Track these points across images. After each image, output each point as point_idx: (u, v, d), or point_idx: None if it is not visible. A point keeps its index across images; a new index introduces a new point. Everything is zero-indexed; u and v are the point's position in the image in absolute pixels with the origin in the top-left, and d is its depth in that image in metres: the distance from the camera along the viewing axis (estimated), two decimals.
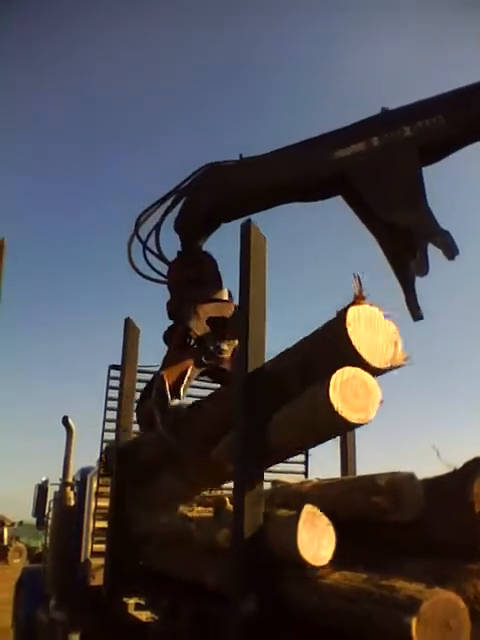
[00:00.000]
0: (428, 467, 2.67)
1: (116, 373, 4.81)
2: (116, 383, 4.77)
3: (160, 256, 3.92)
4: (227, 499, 3.09)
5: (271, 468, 3.22)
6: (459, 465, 2.56)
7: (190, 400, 3.85)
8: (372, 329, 2.48)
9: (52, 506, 7.69)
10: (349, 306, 2.47)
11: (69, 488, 7.06)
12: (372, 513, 2.52)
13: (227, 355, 3.65)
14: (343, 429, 2.41)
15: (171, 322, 4.01)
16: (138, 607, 4.99)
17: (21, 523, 27.66)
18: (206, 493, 3.92)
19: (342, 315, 2.45)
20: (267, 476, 2.97)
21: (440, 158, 3.16)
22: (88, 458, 6.88)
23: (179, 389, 3.69)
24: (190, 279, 3.79)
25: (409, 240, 3.06)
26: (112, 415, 4.76)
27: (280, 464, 3.49)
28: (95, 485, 5.91)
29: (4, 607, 9.16)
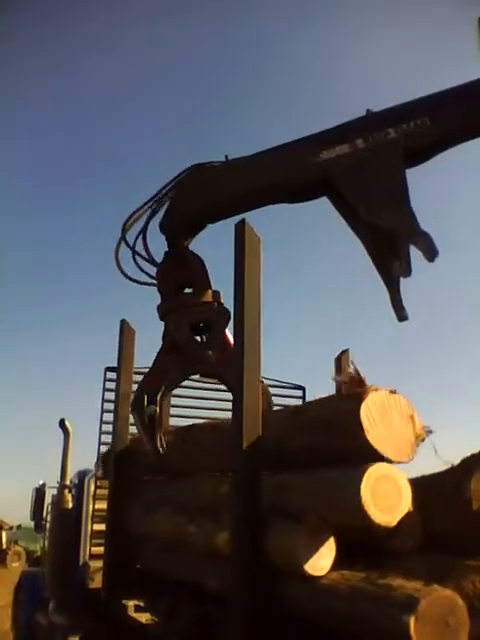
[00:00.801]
0: (426, 463, 2.67)
1: (112, 375, 4.80)
2: (112, 385, 4.76)
3: (149, 259, 3.90)
4: None
5: None
6: (456, 462, 2.57)
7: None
8: (387, 419, 2.41)
9: (50, 509, 7.67)
10: (358, 403, 2.38)
11: (67, 491, 7.04)
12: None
13: (213, 359, 3.63)
14: (365, 527, 2.28)
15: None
16: (137, 609, 4.98)
17: (19, 527, 27.61)
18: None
19: (357, 419, 2.35)
20: None
21: (425, 160, 3.17)
22: (85, 461, 6.87)
23: (156, 396, 3.65)
24: (178, 282, 3.80)
25: (392, 242, 3.08)
26: (109, 417, 4.75)
27: None
28: (93, 488, 5.91)
29: (3, 611, 9.15)
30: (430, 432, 2.47)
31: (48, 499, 7.90)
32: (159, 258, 3.90)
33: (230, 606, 2.70)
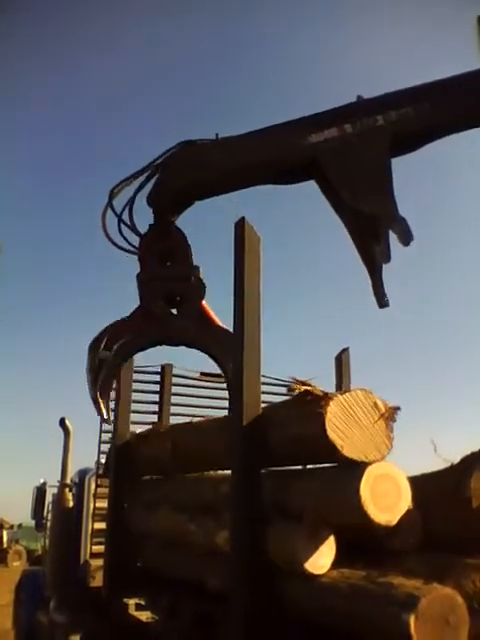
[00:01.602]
0: (426, 461, 2.67)
1: None
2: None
3: (133, 228, 3.91)
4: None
5: None
6: (456, 460, 2.57)
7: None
8: (354, 422, 2.38)
9: (51, 508, 7.68)
10: (322, 423, 2.34)
11: (67, 490, 7.04)
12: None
13: (191, 332, 3.68)
14: (365, 526, 2.28)
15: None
16: (138, 607, 4.99)
17: (20, 526, 27.62)
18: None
19: (328, 441, 2.32)
20: None
21: (414, 148, 3.21)
22: (86, 459, 6.88)
23: (114, 344, 3.74)
24: (159, 253, 3.83)
25: (374, 227, 3.13)
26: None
27: None
28: (93, 486, 5.91)
29: (4, 610, 9.15)
30: (397, 409, 2.46)
31: (49, 498, 7.91)
32: (143, 230, 3.91)
33: (230, 604, 2.70)
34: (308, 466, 2.88)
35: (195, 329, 3.72)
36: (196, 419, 4.19)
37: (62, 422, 7.33)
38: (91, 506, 5.82)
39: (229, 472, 3.03)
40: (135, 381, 4.80)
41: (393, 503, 2.28)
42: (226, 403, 3.93)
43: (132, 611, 4.78)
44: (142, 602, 4.68)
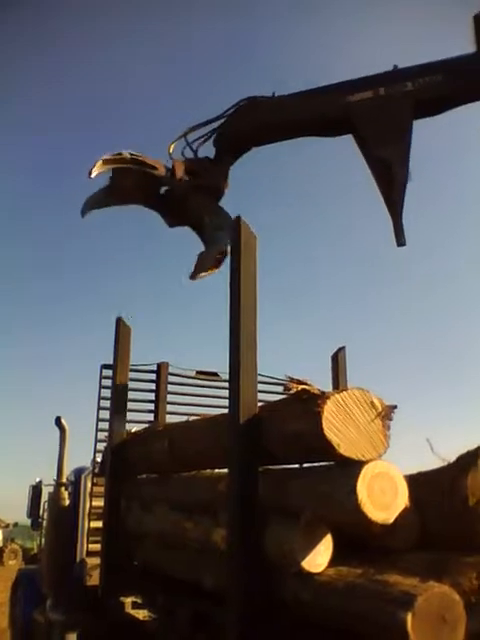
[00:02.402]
0: (422, 459, 2.68)
1: (108, 372, 4.80)
2: (108, 382, 4.76)
3: (195, 156, 4.54)
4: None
5: None
6: (453, 458, 2.58)
7: None
8: (351, 421, 2.39)
9: (47, 507, 7.68)
10: (319, 422, 2.35)
11: (63, 488, 7.04)
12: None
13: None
14: (362, 524, 2.28)
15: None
16: (135, 606, 4.99)
17: (16, 525, 27.58)
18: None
19: (325, 440, 2.34)
20: None
21: (437, 113, 3.77)
22: (82, 458, 6.87)
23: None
24: (197, 175, 4.44)
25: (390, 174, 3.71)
26: (105, 414, 4.75)
27: None
28: (89, 485, 5.91)
29: (1, 608, 9.15)
30: (394, 407, 2.47)
31: (45, 497, 7.90)
32: None
33: (227, 603, 2.70)
34: (305, 465, 2.88)
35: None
36: (192, 418, 4.19)
37: (58, 421, 7.33)
38: (87, 505, 5.81)
39: (226, 471, 3.04)
40: (131, 380, 4.80)
41: (390, 501, 2.29)
42: (222, 401, 3.93)
43: (129, 609, 4.79)
44: (139, 600, 4.69)
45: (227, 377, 3.00)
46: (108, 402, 4.72)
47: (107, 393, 4.77)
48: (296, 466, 2.94)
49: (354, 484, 2.24)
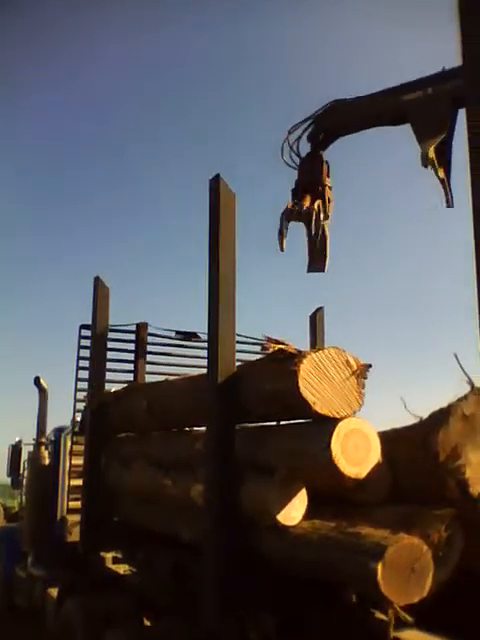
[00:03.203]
0: (397, 417, 2.73)
1: (87, 333, 4.79)
2: (88, 342, 4.75)
3: (297, 154, 5.27)
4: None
5: None
6: (425, 416, 2.63)
7: None
8: (326, 380, 2.43)
9: (27, 466, 7.72)
10: (295, 380, 2.40)
11: (43, 447, 7.09)
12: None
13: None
14: (336, 479, 2.35)
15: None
16: (115, 561, 5.08)
17: None
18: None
19: (301, 397, 2.39)
20: None
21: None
22: (61, 417, 6.89)
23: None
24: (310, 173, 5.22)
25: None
26: (84, 374, 4.76)
27: None
28: (69, 444, 5.94)
29: None
30: (369, 366, 2.54)
31: (24, 456, 7.94)
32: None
33: (205, 555, 2.77)
34: (281, 422, 2.92)
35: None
36: (171, 377, 4.22)
37: (37, 381, 7.32)
38: (67, 463, 5.86)
39: (204, 429, 3.08)
40: (111, 339, 4.80)
41: (363, 457, 2.35)
42: (202, 362, 3.96)
43: (109, 564, 4.89)
44: (119, 555, 4.78)
45: (207, 337, 3.03)
46: (87, 362, 4.72)
47: (86, 353, 4.77)
48: (273, 423, 2.99)
49: (328, 440, 2.30)
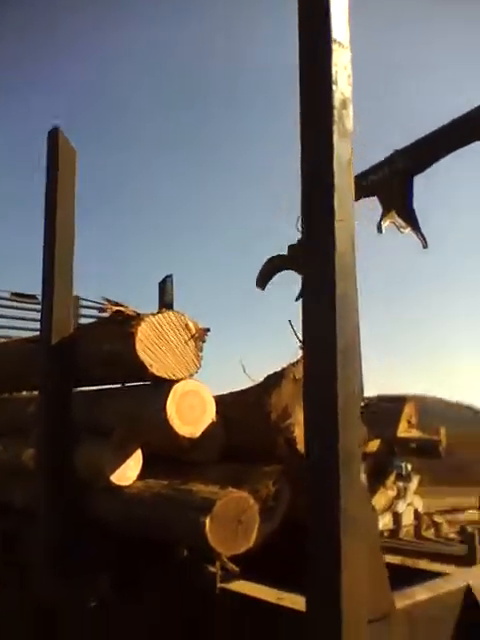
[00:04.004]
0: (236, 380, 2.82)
1: None
2: None
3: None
4: None
5: None
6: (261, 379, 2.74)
7: None
8: (164, 343, 2.42)
9: None
10: (132, 342, 2.37)
11: None
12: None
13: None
14: (171, 439, 2.37)
15: None
16: None
17: None
18: None
19: (138, 359, 2.37)
20: None
21: None
22: None
23: None
24: None
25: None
26: None
27: None
28: None
29: None
30: (207, 330, 2.58)
31: None
32: None
33: (37, 520, 2.71)
34: (119, 385, 2.91)
35: None
36: (3, 339, 4.04)
37: None
38: None
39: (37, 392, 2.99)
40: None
41: (197, 417, 2.40)
42: (38, 325, 3.83)
43: None
44: None
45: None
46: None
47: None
48: (111, 386, 2.97)
49: (164, 402, 2.32)
